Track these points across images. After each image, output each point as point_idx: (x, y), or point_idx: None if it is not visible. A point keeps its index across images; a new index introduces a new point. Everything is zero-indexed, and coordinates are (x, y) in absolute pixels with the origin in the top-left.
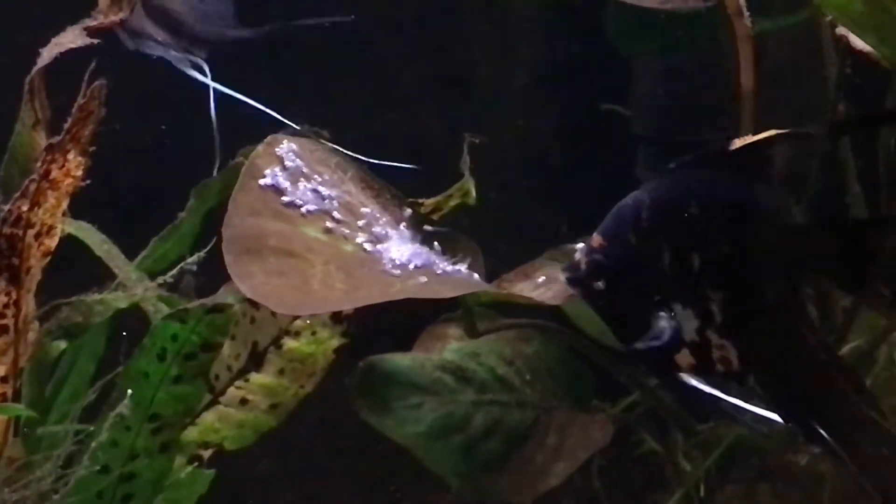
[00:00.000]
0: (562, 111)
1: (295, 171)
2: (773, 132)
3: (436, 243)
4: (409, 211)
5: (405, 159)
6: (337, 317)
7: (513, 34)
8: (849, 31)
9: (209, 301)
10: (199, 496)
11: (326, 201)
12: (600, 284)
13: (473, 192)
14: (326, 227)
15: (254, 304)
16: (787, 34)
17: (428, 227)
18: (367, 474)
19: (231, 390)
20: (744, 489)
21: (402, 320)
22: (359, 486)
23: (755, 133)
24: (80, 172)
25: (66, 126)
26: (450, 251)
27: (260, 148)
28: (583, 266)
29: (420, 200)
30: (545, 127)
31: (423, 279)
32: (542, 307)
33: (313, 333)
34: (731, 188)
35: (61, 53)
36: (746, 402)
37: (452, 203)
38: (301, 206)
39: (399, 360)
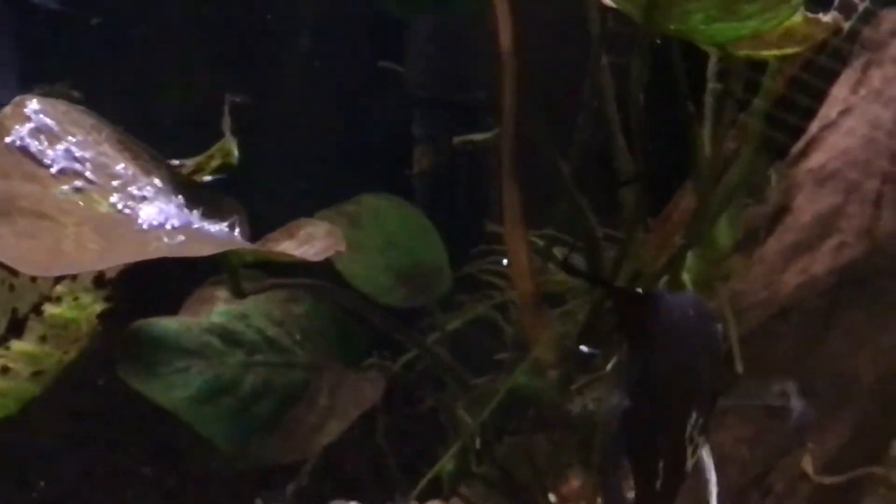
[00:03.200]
0: (340, 71)
1: (46, 132)
2: None
3: (196, 203)
4: (168, 172)
5: (177, 124)
6: (100, 281)
7: None
8: None
9: None
10: None
11: (79, 162)
12: None
13: (236, 152)
14: (79, 187)
15: (12, 271)
16: None
17: (188, 188)
18: (150, 439)
19: None
20: (521, 440)
21: (169, 284)
22: (142, 452)
23: (516, 92)
24: None
25: None
26: (211, 211)
27: (8, 109)
28: None
29: (181, 161)
30: (322, 88)
31: (181, 238)
32: (309, 265)
33: (75, 299)
34: None
35: None
36: None
37: (214, 163)
38: (52, 167)
39: (165, 324)
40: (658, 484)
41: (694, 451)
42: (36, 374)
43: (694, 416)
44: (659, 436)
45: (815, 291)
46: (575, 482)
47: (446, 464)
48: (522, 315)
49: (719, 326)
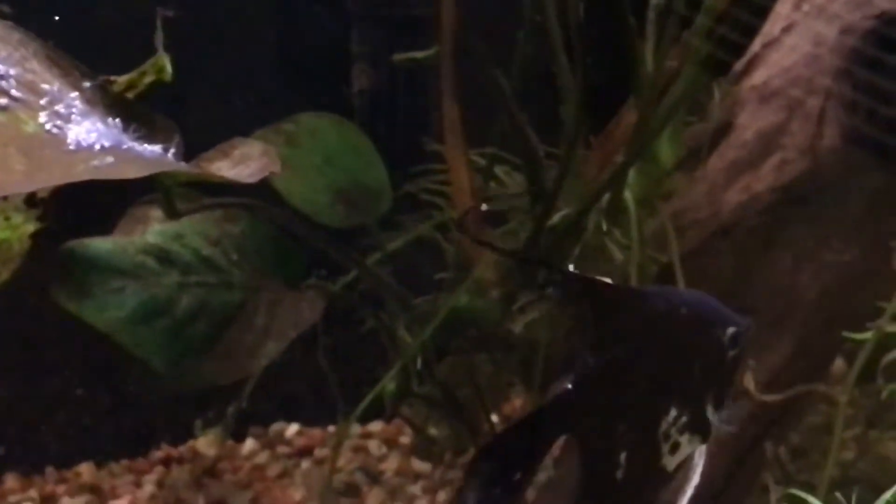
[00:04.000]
0: None
1: None
2: None
3: (129, 122)
4: (100, 89)
5: (109, 39)
6: (31, 201)
7: None
8: None
9: None
10: None
11: (4, 79)
12: None
13: (169, 69)
14: (4, 106)
15: None
16: None
17: (121, 106)
18: (83, 362)
19: None
20: (463, 360)
21: (103, 203)
22: (77, 375)
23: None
24: None
25: None
26: (144, 131)
27: None
28: None
29: (112, 78)
30: (260, 4)
31: (111, 159)
32: (246, 184)
33: (7, 219)
34: None
35: None
36: None
37: (147, 80)
38: None
39: (99, 245)
40: (619, 474)
41: (674, 450)
42: None
43: (673, 413)
44: (615, 424)
45: (757, 209)
46: (517, 401)
47: (388, 384)
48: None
49: (730, 330)
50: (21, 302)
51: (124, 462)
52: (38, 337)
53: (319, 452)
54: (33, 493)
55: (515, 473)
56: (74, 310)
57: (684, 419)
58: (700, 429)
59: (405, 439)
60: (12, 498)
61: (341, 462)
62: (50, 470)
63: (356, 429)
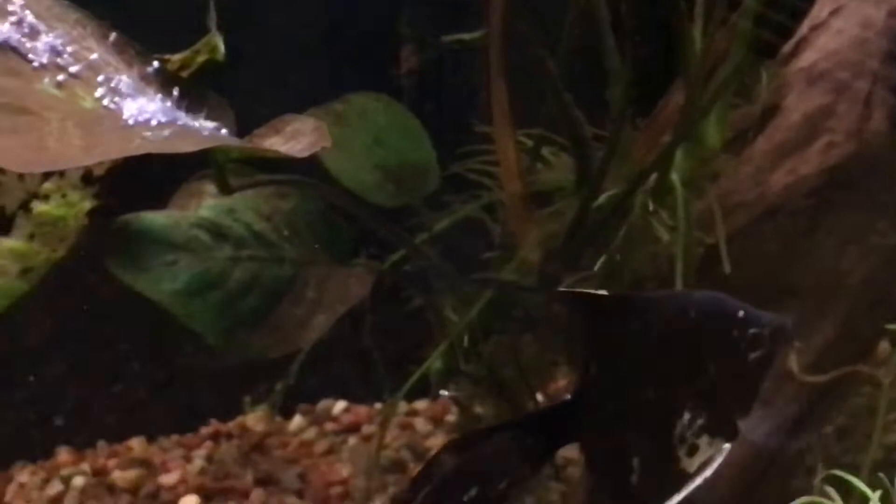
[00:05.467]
0: None
1: (29, 27)
2: None
3: (182, 99)
4: (154, 67)
5: (163, 20)
6: (88, 178)
7: None
8: None
9: None
10: None
11: (63, 57)
12: None
13: (221, 49)
14: (63, 82)
15: None
16: None
17: (175, 84)
18: (136, 338)
19: None
20: (508, 339)
21: (157, 181)
22: (130, 349)
23: None
24: None
25: None
26: (198, 107)
27: None
28: None
29: (166, 56)
30: None
31: (166, 133)
32: (297, 162)
33: (63, 196)
34: None
35: None
36: None
37: (200, 59)
38: (35, 61)
39: (153, 218)
40: (634, 479)
41: (693, 452)
42: (24, 272)
43: (687, 416)
44: (623, 431)
45: (803, 191)
46: (561, 381)
47: (434, 362)
48: (510, 215)
49: (751, 331)
50: (77, 278)
51: (174, 437)
52: (92, 312)
53: (366, 429)
54: (85, 466)
55: (501, 482)
56: (130, 282)
57: (701, 422)
58: (722, 431)
59: (451, 417)
60: (65, 471)
61: (388, 439)
62: (102, 444)
63: (402, 406)
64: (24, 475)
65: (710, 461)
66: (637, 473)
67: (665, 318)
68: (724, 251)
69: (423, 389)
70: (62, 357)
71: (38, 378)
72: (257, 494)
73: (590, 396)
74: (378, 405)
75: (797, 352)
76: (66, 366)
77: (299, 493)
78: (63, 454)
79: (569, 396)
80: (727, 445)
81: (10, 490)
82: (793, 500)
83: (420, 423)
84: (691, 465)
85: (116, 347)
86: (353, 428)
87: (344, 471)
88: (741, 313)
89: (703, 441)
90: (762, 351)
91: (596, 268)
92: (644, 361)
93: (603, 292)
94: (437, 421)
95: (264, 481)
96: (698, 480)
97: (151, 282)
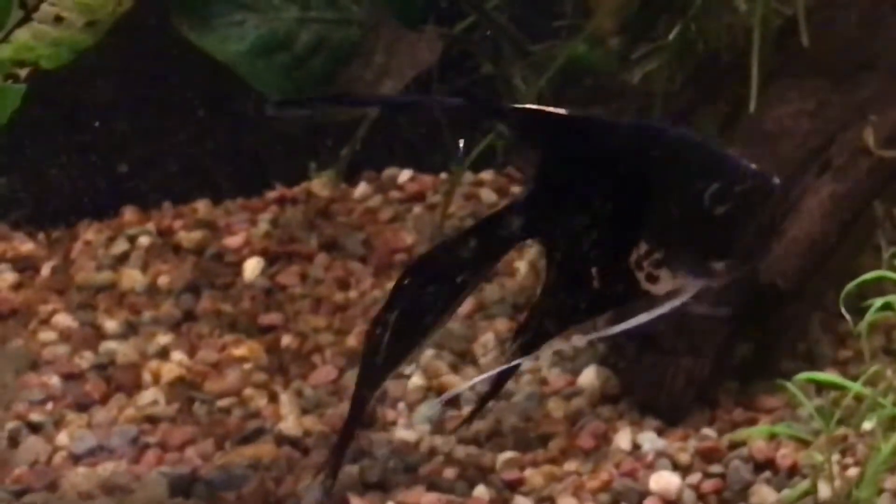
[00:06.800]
0: None
1: None
2: None
3: None
4: None
5: None
6: None
7: None
8: None
9: None
10: (13, 110)
11: None
12: None
13: None
14: None
15: None
16: None
17: None
18: (204, 98)
19: (45, 7)
20: (577, 110)
21: None
22: (198, 111)
23: None
24: None
25: None
26: None
27: None
28: None
29: None
30: None
31: None
32: None
33: None
34: None
35: None
36: None
37: None
38: None
39: None
40: (595, 284)
41: (653, 281)
42: (90, 24)
43: (644, 247)
44: (579, 239)
45: None
46: None
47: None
48: None
49: (715, 185)
50: (143, 33)
51: (240, 200)
52: (158, 70)
53: (431, 198)
54: (150, 226)
55: (459, 274)
56: (196, 40)
57: (658, 256)
58: (691, 270)
59: (516, 188)
60: (130, 230)
61: (453, 208)
62: (167, 205)
63: (468, 176)
64: (90, 233)
65: (680, 292)
66: (596, 280)
67: (628, 145)
68: (803, 22)
69: (489, 159)
70: (127, 116)
71: (105, 135)
72: (321, 259)
73: (544, 201)
74: (444, 175)
75: (873, 126)
76: (132, 125)
77: (363, 259)
78: (129, 213)
79: (523, 197)
80: (699, 282)
81: (76, 248)
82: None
83: (485, 193)
84: (656, 290)
85: (183, 108)
86: (418, 196)
87: (408, 238)
88: (716, 164)
89: (664, 273)
90: (731, 204)
91: (671, 37)
92: (600, 184)
93: (561, 111)
94: (502, 191)
95: (328, 246)
96: (667, 307)
97: (218, 41)
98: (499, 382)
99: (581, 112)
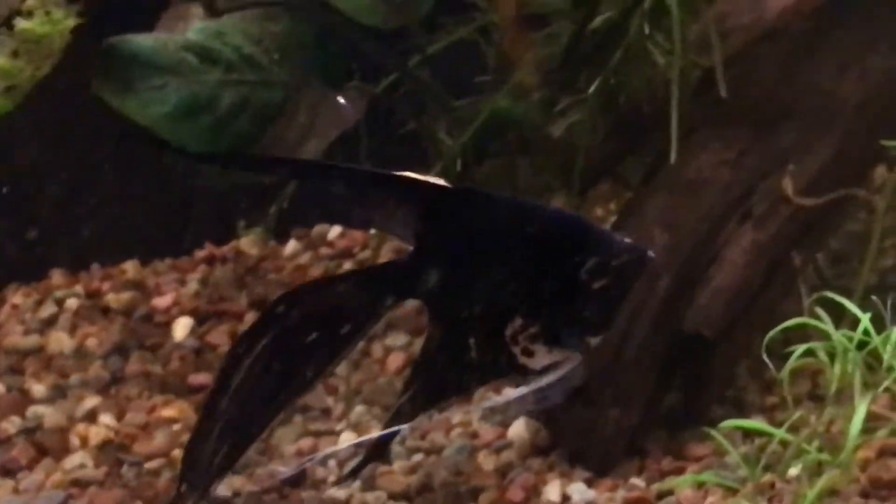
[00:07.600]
0: None
1: None
2: None
3: None
4: None
5: None
6: None
7: None
8: None
9: None
10: None
11: None
12: None
13: None
14: None
15: None
16: None
17: None
18: (129, 160)
19: None
20: (503, 162)
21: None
22: (124, 173)
23: None
24: None
25: None
26: None
27: None
28: None
29: None
30: None
31: None
32: None
33: (47, 13)
34: None
35: None
36: None
37: None
38: None
39: (141, 41)
40: (473, 356)
41: (529, 355)
42: (9, 90)
43: (519, 322)
44: (458, 307)
45: (802, 13)
46: (557, 203)
47: None
48: (505, 37)
49: (591, 260)
50: (63, 97)
51: (169, 260)
52: (81, 132)
53: (361, 254)
54: (79, 288)
55: (343, 326)
56: (117, 105)
57: (533, 330)
58: (567, 344)
59: None
60: (58, 293)
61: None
62: (95, 266)
63: None
64: (17, 296)
65: (559, 366)
66: (474, 351)
67: (507, 220)
68: (721, 74)
69: None
70: (53, 178)
71: (31, 197)
72: (251, 317)
73: (424, 265)
74: (373, 230)
75: (792, 175)
76: (59, 187)
77: None
78: (56, 276)
79: (407, 257)
80: (575, 357)
81: (4, 311)
82: (784, 321)
83: None
84: (533, 364)
85: (109, 169)
86: (348, 253)
87: None
88: (592, 239)
89: (539, 348)
90: (606, 279)
91: (591, 90)
92: (477, 257)
93: (441, 182)
94: None
95: (259, 304)
96: (545, 381)
97: (140, 105)
98: (379, 445)
99: (463, 186)
